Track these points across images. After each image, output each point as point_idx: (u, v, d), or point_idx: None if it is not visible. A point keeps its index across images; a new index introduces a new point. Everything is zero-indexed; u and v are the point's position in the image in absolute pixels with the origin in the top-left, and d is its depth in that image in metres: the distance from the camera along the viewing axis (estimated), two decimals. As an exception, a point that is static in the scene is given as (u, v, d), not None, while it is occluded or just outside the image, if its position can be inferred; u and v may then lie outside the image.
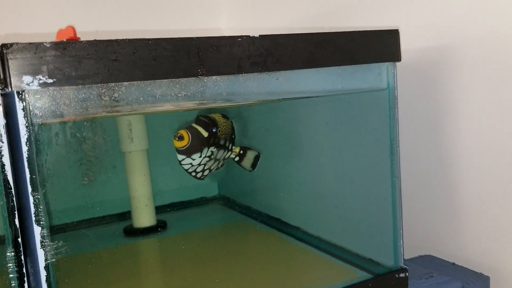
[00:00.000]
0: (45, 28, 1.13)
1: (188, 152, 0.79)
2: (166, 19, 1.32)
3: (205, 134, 0.80)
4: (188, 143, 0.78)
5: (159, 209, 1.05)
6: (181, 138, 0.77)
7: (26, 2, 1.15)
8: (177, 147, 0.79)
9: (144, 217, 1.00)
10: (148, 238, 1.00)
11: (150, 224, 1.01)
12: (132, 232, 1.00)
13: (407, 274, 0.73)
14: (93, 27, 1.20)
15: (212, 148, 0.82)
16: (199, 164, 0.81)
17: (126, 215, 1.03)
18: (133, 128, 0.98)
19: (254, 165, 0.92)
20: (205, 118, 0.82)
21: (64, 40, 0.86)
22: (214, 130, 0.82)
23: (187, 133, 0.78)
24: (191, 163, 0.80)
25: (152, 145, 1.01)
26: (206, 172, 0.84)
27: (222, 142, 0.85)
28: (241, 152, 0.91)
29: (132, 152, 0.98)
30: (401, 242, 0.73)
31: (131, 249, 0.95)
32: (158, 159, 1.04)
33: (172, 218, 1.07)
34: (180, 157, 0.80)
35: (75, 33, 0.90)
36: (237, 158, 0.91)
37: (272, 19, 1.20)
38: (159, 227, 1.02)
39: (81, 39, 0.51)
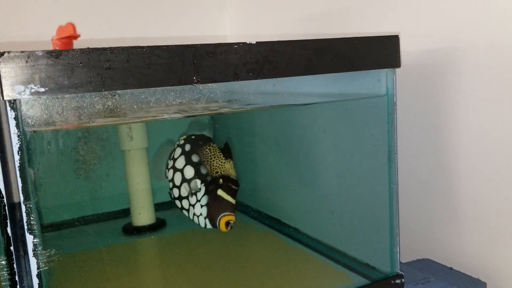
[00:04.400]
0: (38, 37, 1.13)
1: None
2: (169, 26, 1.31)
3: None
4: None
5: (158, 207, 1.05)
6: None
7: (19, 11, 1.14)
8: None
9: (143, 216, 1.00)
10: (147, 236, 1.00)
11: (149, 223, 1.01)
12: (131, 230, 1.00)
13: (403, 280, 0.73)
14: (89, 35, 1.19)
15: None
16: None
17: (125, 213, 1.03)
18: (132, 126, 0.97)
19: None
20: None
21: (67, 35, 0.86)
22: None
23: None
24: None
25: (152, 143, 1.01)
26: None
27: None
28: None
29: (132, 150, 0.98)
30: (398, 248, 0.73)
31: (129, 248, 0.95)
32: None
33: (172, 216, 1.07)
34: None
35: (74, 30, 0.89)
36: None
37: (279, 25, 1.19)
38: (158, 226, 1.02)
39: (76, 46, 0.50)
